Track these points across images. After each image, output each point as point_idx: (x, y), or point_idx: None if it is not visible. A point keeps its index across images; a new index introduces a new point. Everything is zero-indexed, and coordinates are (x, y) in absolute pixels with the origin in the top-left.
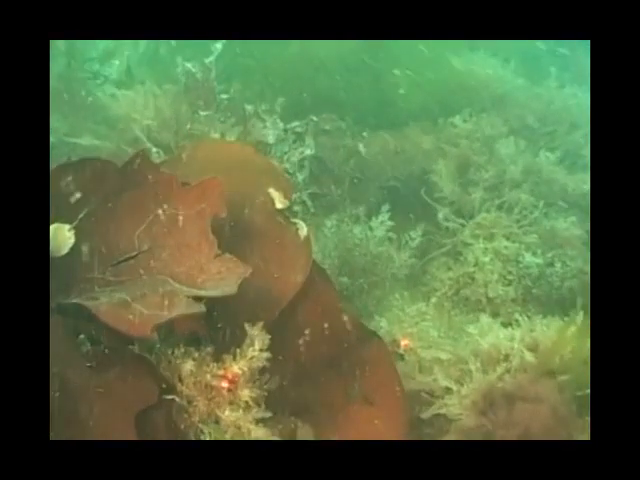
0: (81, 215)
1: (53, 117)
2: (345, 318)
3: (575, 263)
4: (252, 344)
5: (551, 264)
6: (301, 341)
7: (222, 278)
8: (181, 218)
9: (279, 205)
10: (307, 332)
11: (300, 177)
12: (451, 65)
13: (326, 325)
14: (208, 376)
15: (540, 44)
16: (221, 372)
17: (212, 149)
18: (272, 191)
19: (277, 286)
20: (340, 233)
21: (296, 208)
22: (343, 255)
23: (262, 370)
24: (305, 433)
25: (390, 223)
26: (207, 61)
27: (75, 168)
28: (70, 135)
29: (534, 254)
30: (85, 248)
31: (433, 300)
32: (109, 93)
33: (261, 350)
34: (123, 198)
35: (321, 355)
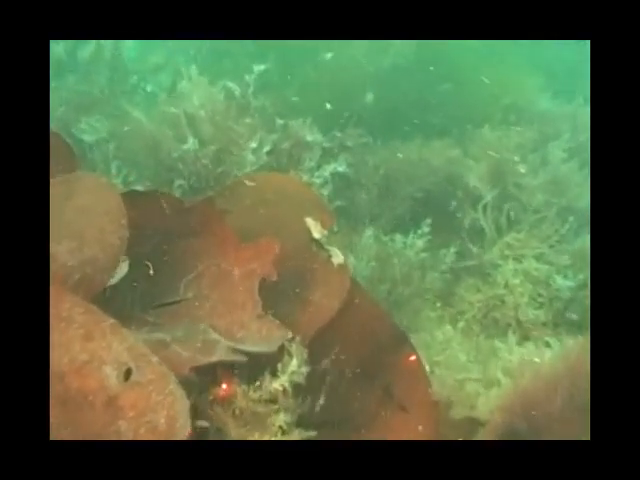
0: (136, 249)
1: (93, 118)
2: (383, 325)
3: None
4: (291, 359)
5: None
6: (335, 354)
7: (262, 337)
8: (231, 275)
9: (316, 235)
10: (343, 345)
11: (326, 192)
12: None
13: (363, 335)
14: (244, 402)
15: None
16: (257, 395)
17: (256, 181)
18: (309, 220)
19: (311, 309)
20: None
21: None
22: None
23: (297, 389)
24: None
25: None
26: (247, 78)
27: (145, 198)
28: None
29: (565, 277)
30: (131, 284)
31: (461, 323)
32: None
33: (300, 366)
34: (179, 244)
35: (356, 364)
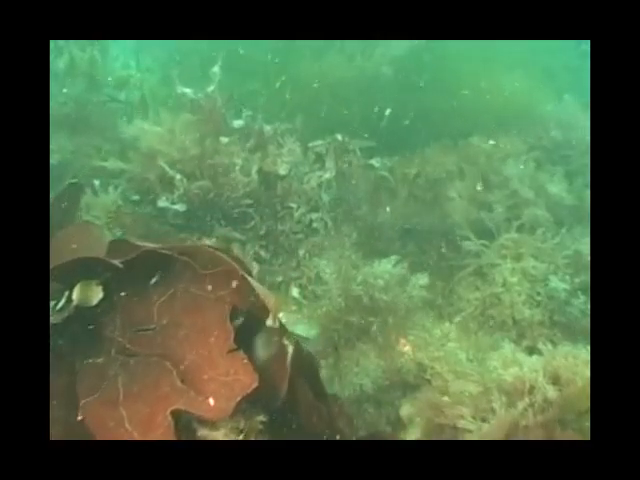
0: (108, 274)
1: (61, 135)
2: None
3: None
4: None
5: (576, 295)
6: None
7: (226, 383)
8: (201, 300)
9: (269, 322)
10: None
11: (325, 198)
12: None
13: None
14: None
15: None
16: None
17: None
18: (273, 300)
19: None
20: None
21: (315, 225)
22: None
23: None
24: None
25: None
26: (209, 90)
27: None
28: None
29: (562, 279)
30: (110, 305)
31: (457, 319)
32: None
33: None
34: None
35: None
